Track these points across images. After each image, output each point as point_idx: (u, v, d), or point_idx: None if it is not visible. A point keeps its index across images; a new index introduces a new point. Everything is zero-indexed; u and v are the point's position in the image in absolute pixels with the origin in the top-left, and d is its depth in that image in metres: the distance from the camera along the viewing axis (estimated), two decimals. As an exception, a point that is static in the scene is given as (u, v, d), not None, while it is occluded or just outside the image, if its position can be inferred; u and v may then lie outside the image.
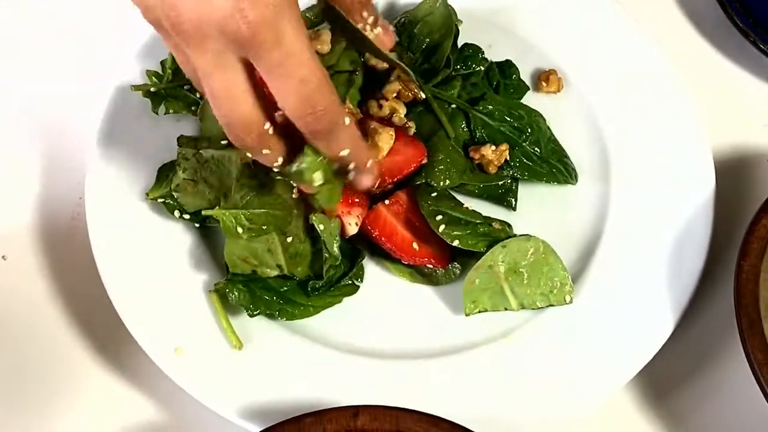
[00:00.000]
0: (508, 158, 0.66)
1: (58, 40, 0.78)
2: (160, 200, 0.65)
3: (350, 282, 0.64)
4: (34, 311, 0.66)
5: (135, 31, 0.71)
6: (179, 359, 0.60)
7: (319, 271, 0.62)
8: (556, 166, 0.67)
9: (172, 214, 0.64)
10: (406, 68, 0.65)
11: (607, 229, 0.65)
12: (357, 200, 0.62)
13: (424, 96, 0.67)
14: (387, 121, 0.65)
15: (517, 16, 0.73)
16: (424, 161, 0.64)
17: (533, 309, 0.62)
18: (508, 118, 0.68)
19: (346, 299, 0.64)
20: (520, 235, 0.62)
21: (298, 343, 0.61)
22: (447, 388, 0.60)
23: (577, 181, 0.68)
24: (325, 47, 0.66)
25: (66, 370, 0.64)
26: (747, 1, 0.74)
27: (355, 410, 0.53)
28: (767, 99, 0.74)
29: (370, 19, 0.64)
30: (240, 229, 0.61)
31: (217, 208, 0.62)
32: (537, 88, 0.72)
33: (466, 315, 0.62)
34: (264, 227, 0.62)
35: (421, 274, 0.65)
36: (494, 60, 0.71)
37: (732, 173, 0.70)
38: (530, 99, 0.71)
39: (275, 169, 0.55)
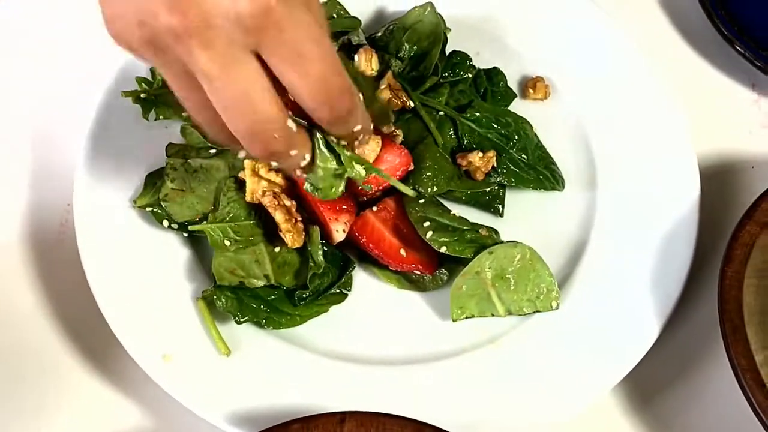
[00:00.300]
0: (495, 165, 0.67)
1: (47, 47, 0.78)
2: (148, 209, 0.65)
3: (338, 291, 0.64)
4: (23, 319, 0.66)
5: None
6: (167, 366, 0.60)
7: (306, 280, 0.62)
8: (543, 173, 0.68)
9: (161, 223, 0.65)
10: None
11: (593, 236, 0.66)
12: (344, 207, 0.63)
13: (412, 104, 0.67)
14: (374, 130, 0.65)
15: (504, 24, 0.74)
16: (411, 169, 0.65)
17: (520, 315, 0.63)
18: (496, 125, 0.68)
19: (333, 306, 0.64)
20: (507, 242, 0.63)
21: (285, 349, 0.62)
22: (434, 394, 0.60)
23: (563, 187, 0.68)
24: None
25: (54, 376, 0.64)
26: (732, 10, 0.75)
27: (342, 416, 0.53)
28: (752, 106, 0.75)
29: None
30: (227, 242, 0.62)
31: (205, 222, 0.62)
32: (524, 95, 0.73)
33: (454, 321, 0.62)
34: (251, 238, 0.62)
35: (408, 280, 0.65)
36: (482, 67, 0.72)
37: (717, 180, 0.71)
38: (517, 106, 0.71)
39: (298, 173, 0.52)
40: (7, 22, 0.80)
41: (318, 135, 0.52)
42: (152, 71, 0.70)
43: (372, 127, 0.54)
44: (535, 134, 0.69)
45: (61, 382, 0.64)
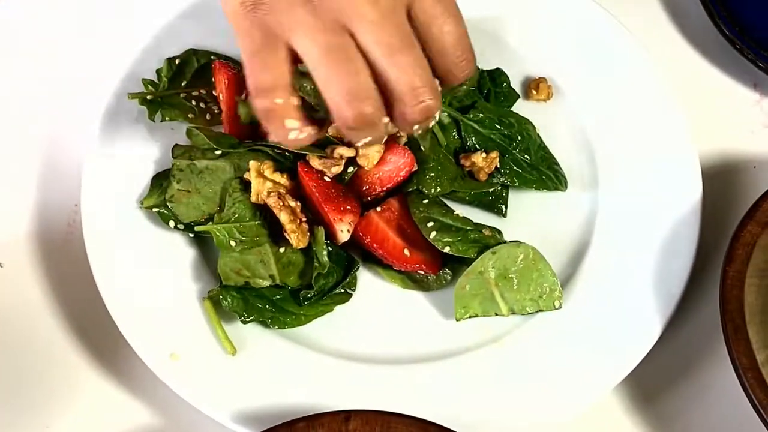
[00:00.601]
0: (498, 165, 0.67)
1: (54, 47, 0.79)
2: (154, 210, 0.65)
3: (343, 291, 0.65)
4: (31, 318, 0.67)
5: (131, 39, 0.73)
6: (174, 365, 0.60)
7: (311, 280, 0.62)
8: (546, 173, 0.68)
9: (167, 224, 0.65)
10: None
11: (596, 235, 0.66)
12: (349, 207, 0.63)
13: None
14: None
15: (507, 25, 0.74)
16: (414, 170, 0.65)
17: (523, 314, 0.63)
18: (499, 126, 0.69)
19: (338, 305, 0.65)
20: (510, 242, 0.63)
21: (291, 348, 0.62)
22: (438, 393, 0.61)
23: (566, 187, 0.69)
24: None
25: (62, 375, 0.65)
26: (733, 10, 0.75)
27: (347, 415, 0.54)
28: (754, 106, 0.75)
29: None
30: (233, 243, 0.62)
31: (210, 223, 0.63)
32: (527, 96, 0.73)
33: (457, 320, 0.63)
34: (256, 239, 0.63)
35: (412, 280, 0.66)
36: (485, 68, 0.72)
37: (719, 180, 0.71)
38: (520, 107, 0.72)
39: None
40: (12, 21, 0.80)
41: None
42: (158, 73, 0.71)
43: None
44: (538, 135, 0.69)
45: (68, 381, 0.65)
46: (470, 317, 0.63)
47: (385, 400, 0.59)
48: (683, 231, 0.65)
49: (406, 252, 0.64)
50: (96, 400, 0.64)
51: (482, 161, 0.67)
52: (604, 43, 0.73)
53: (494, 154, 0.67)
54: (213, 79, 0.70)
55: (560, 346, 0.62)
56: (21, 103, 0.76)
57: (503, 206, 0.67)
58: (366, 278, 0.66)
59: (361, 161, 0.64)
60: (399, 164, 0.64)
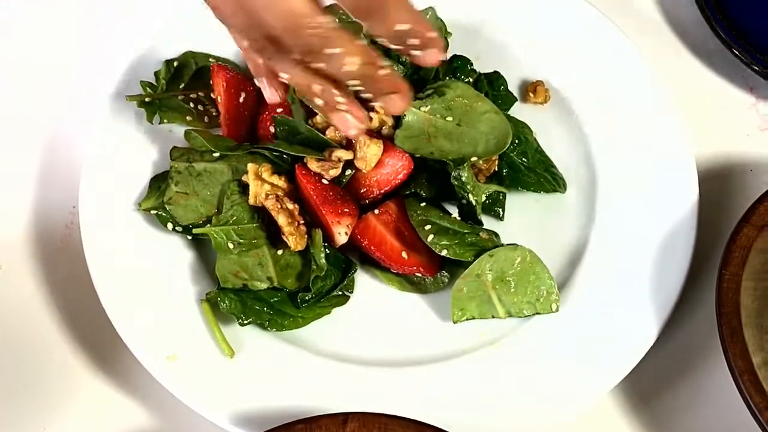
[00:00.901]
0: (496, 168, 0.68)
1: (53, 49, 0.79)
2: (152, 212, 0.65)
3: (340, 293, 0.65)
4: (29, 319, 0.67)
5: (129, 41, 0.73)
6: (171, 367, 0.61)
7: (308, 283, 0.63)
8: (543, 176, 0.68)
9: (165, 226, 0.65)
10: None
11: (593, 238, 0.67)
12: (346, 210, 0.63)
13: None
14: (376, 134, 0.66)
15: (505, 28, 0.75)
16: (412, 172, 0.65)
17: (520, 317, 0.63)
18: (497, 130, 0.69)
19: (336, 308, 0.65)
20: (508, 245, 0.63)
21: (288, 350, 0.62)
22: (435, 395, 0.61)
23: (565, 189, 0.69)
24: None
25: (60, 377, 0.65)
26: (730, 14, 0.76)
27: (345, 417, 0.54)
28: (750, 110, 0.76)
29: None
30: (231, 245, 0.63)
31: (208, 226, 0.63)
32: (524, 98, 0.73)
33: (454, 322, 0.63)
34: (254, 241, 0.63)
35: (410, 282, 0.66)
36: (482, 71, 0.72)
37: (715, 183, 0.71)
38: (518, 110, 0.72)
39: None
40: (10, 24, 0.81)
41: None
42: (156, 75, 0.71)
43: (433, 35, 0.52)
44: (535, 138, 0.70)
45: (66, 382, 0.65)
46: (467, 320, 0.63)
47: (383, 403, 0.59)
48: (680, 234, 0.65)
49: (404, 254, 0.64)
50: (93, 402, 0.64)
51: (481, 164, 0.67)
52: (601, 46, 0.73)
53: (493, 158, 0.67)
54: (211, 82, 0.70)
55: (557, 348, 0.62)
56: (19, 105, 0.77)
57: (500, 209, 0.68)
58: (363, 281, 0.66)
59: (358, 164, 0.64)
60: (397, 167, 0.65)
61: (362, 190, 0.65)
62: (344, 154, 0.64)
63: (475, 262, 0.62)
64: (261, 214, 0.64)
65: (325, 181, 0.64)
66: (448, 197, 0.66)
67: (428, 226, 0.63)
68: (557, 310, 0.63)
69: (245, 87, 0.69)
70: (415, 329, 0.64)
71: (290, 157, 0.65)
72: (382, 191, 0.65)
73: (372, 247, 0.64)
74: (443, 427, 0.54)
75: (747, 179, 0.72)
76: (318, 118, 0.66)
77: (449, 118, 0.65)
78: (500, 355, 0.62)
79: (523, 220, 0.68)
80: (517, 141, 0.68)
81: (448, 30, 0.72)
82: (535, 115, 0.72)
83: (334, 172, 0.64)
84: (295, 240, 0.62)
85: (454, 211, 0.66)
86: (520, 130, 0.69)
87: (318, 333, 0.64)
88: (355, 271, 0.65)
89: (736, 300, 0.58)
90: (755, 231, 0.61)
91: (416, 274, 0.65)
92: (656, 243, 0.65)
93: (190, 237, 0.66)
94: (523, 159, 0.69)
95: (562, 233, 0.68)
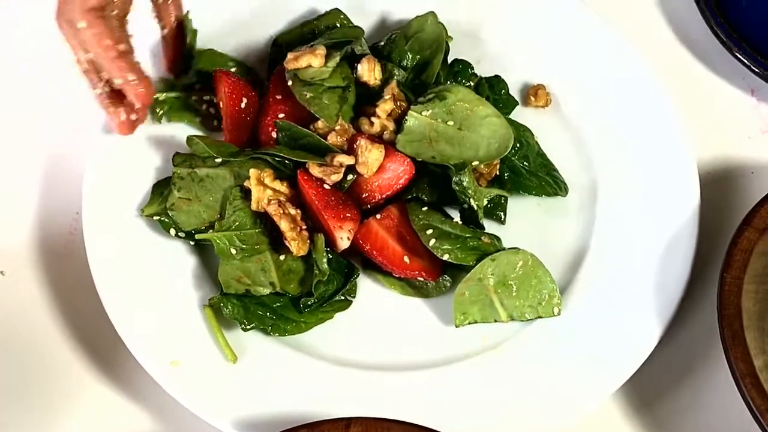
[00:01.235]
0: (498, 173, 0.68)
1: (55, 52, 0.79)
2: (155, 218, 0.66)
3: (343, 298, 0.65)
4: (32, 325, 0.67)
5: (134, 43, 0.73)
6: (175, 372, 0.61)
7: (311, 288, 0.63)
8: (545, 179, 0.69)
9: (168, 232, 0.65)
10: None
11: (594, 242, 0.67)
12: (349, 215, 0.64)
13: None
14: (377, 138, 0.66)
15: (505, 32, 0.75)
16: (413, 177, 0.66)
17: (522, 321, 0.64)
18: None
19: (338, 312, 0.65)
20: (509, 249, 0.63)
21: (291, 355, 0.62)
22: (438, 400, 0.61)
23: (567, 192, 0.69)
24: (318, 61, 0.67)
25: (63, 382, 0.65)
26: (731, 17, 0.76)
27: (348, 422, 0.54)
28: (751, 112, 0.76)
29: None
30: (234, 251, 0.63)
31: (211, 231, 0.63)
32: (525, 102, 0.73)
33: (456, 326, 0.63)
34: (257, 246, 0.63)
35: (412, 286, 0.66)
36: (483, 75, 0.72)
37: (717, 186, 0.71)
38: (519, 113, 0.72)
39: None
40: (24, 23, 0.81)
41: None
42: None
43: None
44: (537, 142, 0.70)
45: (69, 388, 0.65)
46: (469, 323, 0.63)
47: (385, 407, 0.59)
48: (681, 237, 0.65)
49: (406, 259, 0.64)
50: (96, 406, 0.64)
51: (482, 168, 0.67)
52: (602, 50, 0.73)
53: (495, 162, 0.67)
54: (215, 87, 0.70)
55: (559, 352, 0.62)
56: (21, 110, 0.77)
57: (502, 213, 0.68)
58: (366, 285, 0.66)
59: (360, 169, 0.64)
60: (398, 172, 0.65)
61: (364, 195, 0.65)
62: (346, 159, 0.64)
63: (477, 266, 0.62)
64: (263, 219, 0.64)
65: (326, 186, 0.64)
66: (449, 201, 0.66)
67: (430, 231, 0.64)
68: (559, 314, 0.63)
69: (247, 92, 0.69)
70: (417, 333, 0.64)
71: (292, 162, 0.65)
72: (384, 196, 0.65)
73: (374, 252, 0.64)
74: (446, 432, 0.55)
75: (748, 182, 0.72)
76: (319, 123, 0.66)
77: (450, 123, 0.65)
78: (502, 359, 0.62)
79: (525, 223, 0.68)
80: (518, 145, 0.68)
81: (449, 34, 0.72)
82: (536, 118, 0.72)
83: (336, 177, 0.64)
84: (297, 245, 0.62)
85: (456, 216, 0.66)
86: (522, 133, 0.69)
87: (320, 337, 0.64)
88: (358, 275, 0.65)
89: (737, 303, 0.58)
90: (757, 234, 0.61)
91: (418, 278, 0.65)
92: (657, 246, 0.65)
93: (192, 243, 0.66)
94: (525, 163, 0.69)
95: (563, 237, 0.68)
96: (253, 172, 0.64)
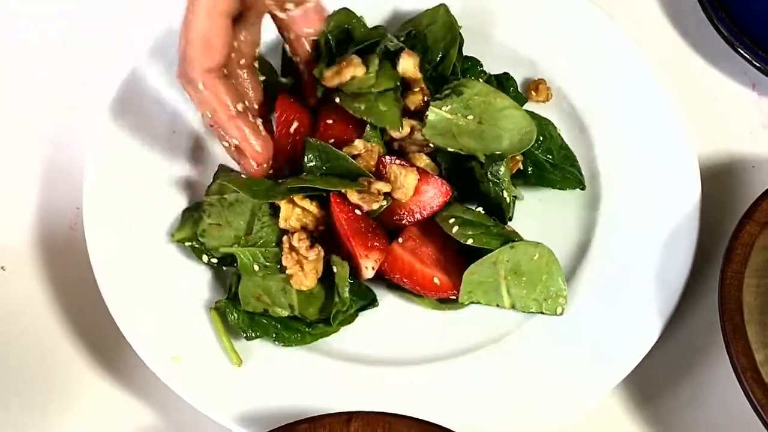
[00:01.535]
0: (521, 167, 0.67)
1: (57, 49, 0.79)
2: (187, 243, 0.65)
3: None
4: (33, 320, 0.67)
5: (133, 42, 0.73)
6: (176, 367, 0.61)
7: (329, 315, 0.62)
8: (570, 172, 0.68)
9: (200, 259, 0.64)
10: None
11: (596, 236, 0.67)
12: (377, 244, 0.62)
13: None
14: (406, 160, 0.64)
15: (506, 27, 0.74)
16: (449, 200, 0.64)
17: (524, 312, 0.63)
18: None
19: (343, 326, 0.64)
20: (530, 241, 0.63)
21: (293, 350, 0.62)
22: (439, 394, 0.61)
23: (584, 186, 0.68)
24: (360, 70, 0.64)
25: (64, 378, 0.65)
26: (732, 11, 0.76)
27: (349, 416, 0.54)
28: (752, 106, 0.76)
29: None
30: (256, 267, 0.62)
31: (236, 246, 0.62)
32: (526, 97, 0.73)
33: (460, 303, 0.63)
34: (280, 266, 0.62)
35: (442, 301, 0.64)
36: (487, 71, 0.72)
37: (718, 180, 0.71)
38: (521, 108, 0.72)
39: None
40: (24, 20, 0.81)
41: None
42: None
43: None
44: (559, 135, 0.69)
45: (70, 383, 0.65)
46: (472, 303, 0.63)
47: (387, 402, 0.59)
48: (682, 231, 0.65)
49: (437, 281, 0.63)
50: (98, 402, 0.64)
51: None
52: (602, 44, 0.73)
53: (518, 157, 0.66)
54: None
55: (560, 347, 0.62)
56: (22, 106, 0.77)
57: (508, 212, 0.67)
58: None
59: (397, 195, 0.62)
60: (433, 194, 0.63)
61: (395, 218, 0.64)
62: (383, 187, 0.62)
63: (496, 251, 0.61)
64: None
65: (358, 212, 0.62)
66: (469, 198, 0.66)
67: (452, 220, 0.63)
68: (562, 314, 0.63)
69: (299, 115, 0.67)
70: (418, 328, 0.64)
71: None
72: (417, 218, 0.63)
73: (404, 280, 0.63)
74: (447, 426, 0.55)
75: (749, 176, 0.72)
76: (355, 144, 0.64)
77: (470, 117, 0.65)
78: (503, 353, 0.62)
79: (526, 219, 0.67)
80: (541, 138, 0.68)
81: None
82: (537, 113, 0.71)
83: (377, 206, 0.62)
84: (298, 280, 0.61)
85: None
86: (544, 127, 0.68)
87: (323, 334, 0.64)
88: (377, 305, 0.64)
89: (738, 297, 0.58)
90: (758, 228, 0.61)
91: (451, 296, 0.64)
92: (659, 240, 0.65)
93: (225, 268, 0.65)
94: (548, 156, 0.68)
95: (564, 230, 0.68)
96: None
